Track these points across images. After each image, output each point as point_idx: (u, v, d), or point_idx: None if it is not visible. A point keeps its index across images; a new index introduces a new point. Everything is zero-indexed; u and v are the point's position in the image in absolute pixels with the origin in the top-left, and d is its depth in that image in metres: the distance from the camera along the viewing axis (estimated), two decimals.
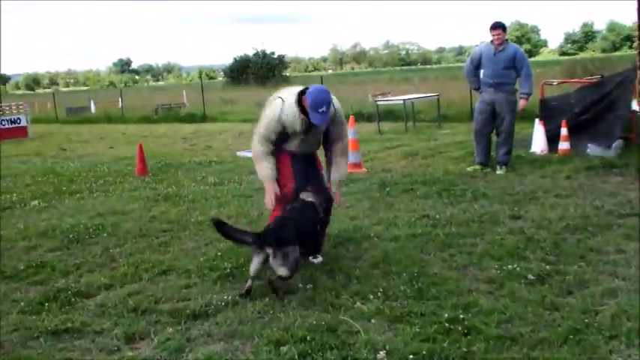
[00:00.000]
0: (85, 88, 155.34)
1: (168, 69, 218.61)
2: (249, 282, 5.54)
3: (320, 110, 5.70)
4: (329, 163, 6.36)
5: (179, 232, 7.88)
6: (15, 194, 10.89)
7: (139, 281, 6.07)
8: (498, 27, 10.52)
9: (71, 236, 7.80)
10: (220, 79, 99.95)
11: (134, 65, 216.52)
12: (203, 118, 27.75)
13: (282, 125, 5.92)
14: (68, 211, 9.44)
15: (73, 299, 5.61)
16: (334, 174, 6.31)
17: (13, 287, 6.10)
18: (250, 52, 68.26)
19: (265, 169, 6.08)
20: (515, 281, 5.46)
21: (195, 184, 11.08)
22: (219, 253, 6.68)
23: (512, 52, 10.52)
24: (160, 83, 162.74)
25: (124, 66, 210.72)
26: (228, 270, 6.12)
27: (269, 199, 6.15)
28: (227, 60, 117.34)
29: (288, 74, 73.17)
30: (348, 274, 5.85)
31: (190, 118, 28.04)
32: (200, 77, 78.11)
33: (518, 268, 5.73)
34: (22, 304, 5.55)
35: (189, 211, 9.01)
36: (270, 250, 5.38)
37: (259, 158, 6.10)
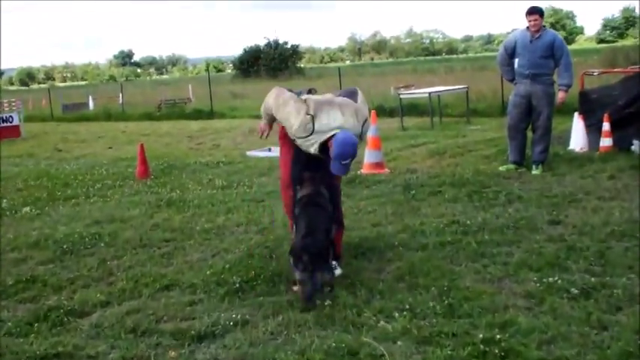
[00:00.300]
0: (84, 82, 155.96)
1: (173, 61, 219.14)
2: (299, 287, 5.60)
3: (344, 163, 5.78)
4: None
5: (183, 241, 7.77)
6: (5, 200, 10.83)
7: (138, 298, 5.95)
8: (535, 12, 10.34)
9: (65, 247, 7.69)
10: (229, 71, 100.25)
11: (136, 57, 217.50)
12: (210, 115, 27.75)
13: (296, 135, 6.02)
14: (62, 218, 9.36)
15: (66, 319, 5.49)
16: None
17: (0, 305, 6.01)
18: (261, 42, 68.41)
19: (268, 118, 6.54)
20: (556, 296, 5.30)
21: (202, 188, 10.99)
22: (227, 266, 6.56)
23: (550, 40, 10.34)
24: (164, 77, 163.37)
25: (125, 58, 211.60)
26: (238, 285, 5.99)
27: (259, 131, 6.88)
28: (236, 51, 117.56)
29: (302, 65, 73.17)
30: (370, 289, 5.72)
31: (196, 115, 28.08)
32: (207, 70, 78.12)
33: (559, 281, 5.57)
34: (10, 324, 5.44)
35: (194, 217, 8.92)
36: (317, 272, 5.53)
37: (266, 113, 6.52)
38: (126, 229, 8.50)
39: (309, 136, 5.93)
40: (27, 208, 10.07)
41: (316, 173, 6.26)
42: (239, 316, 5.27)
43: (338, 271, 6.20)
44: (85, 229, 8.56)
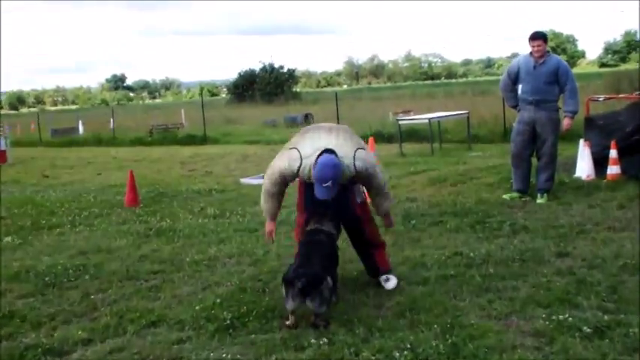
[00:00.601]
0: (75, 106, 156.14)
1: (167, 85, 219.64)
2: (292, 318, 5.65)
3: (324, 185, 5.88)
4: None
5: (172, 273, 7.59)
6: None
7: (122, 335, 5.75)
8: (538, 37, 10.22)
9: (47, 279, 7.50)
10: (223, 95, 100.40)
11: (129, 81, 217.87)
12: (203, 140, 27.65)
13: (296, 176, 6.23)
14: (46, 248, 9.18)
15: (44, 358, 5.29)
16: (375, 208, 6.70)
17: None
18: (257, 66, 68.52)
19: (269, 206, 6.49)
20: (567, 334, 5.10)
21: (193, 217, 10.82)
22: (217, 300, 6.37)
23: (554, 65, 10.21)
24: (157, 101, 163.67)
25: (117, 82, 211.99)
26: (229, 321, 5.80)
27: (266, 236, 6.72)
28: (231, 75, 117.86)
29: (298, 90, 73.29)
30: (369, 326, 5.53)
31: (189, 140, 27.98)
32: (201, 94, 78.19)
33: (570, 318, 5.37)
34: None
35: (184, 248, 8.76)
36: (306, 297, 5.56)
37: (267, 194, 6.44)
38: (112, 260, 8.33)
39: (300, 165, 6.05)
40: (9, 238, 9.88)
41: (321, 208, 6.33)
42: (229, 356, 5.10)
43: (392, 282, 6.60)
44: (70, 260, 8.38)
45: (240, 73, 69.60)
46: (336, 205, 6.31)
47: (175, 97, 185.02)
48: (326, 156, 5.91)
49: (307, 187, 6.34)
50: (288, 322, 5.64)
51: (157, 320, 6.04)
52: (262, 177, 14.21)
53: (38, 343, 5.58)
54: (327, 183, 5.84)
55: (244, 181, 14.61)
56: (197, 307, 6.23)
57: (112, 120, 35.24)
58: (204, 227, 9.93)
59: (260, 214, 10.58)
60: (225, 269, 7.64)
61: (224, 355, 5.09)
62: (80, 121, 38.56)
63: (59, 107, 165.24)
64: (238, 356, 5.09)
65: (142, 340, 5.58)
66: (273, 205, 6.45)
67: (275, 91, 62.82)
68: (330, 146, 5.99)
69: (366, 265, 6.84)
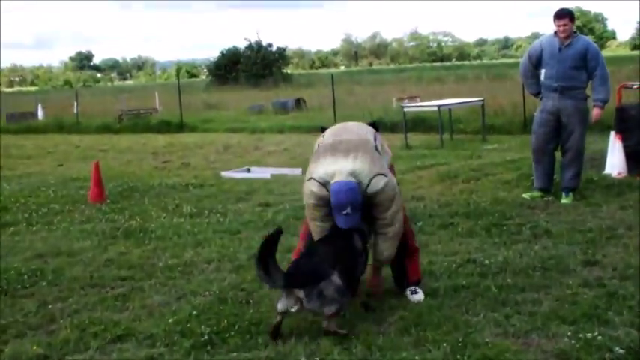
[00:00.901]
0: (34, 88, 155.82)
1: (139, 65, 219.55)
2: (278, 318, 5.68)
3: (344, 213, 5.98)
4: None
5: (142, 280, 7.56)
6: None
7: (84, 351, 5.71)
8: (564, 15, 10.20)
9: None
10: (203, 77, 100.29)
11: (96, 60, 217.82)
12: (180, 128, 27.67)
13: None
14: None
15: None
16: (373, 252, 6.56)
17: None
18: (242, 44, 68.47)
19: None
20: (596, 355, 5.08)
21: (166, 215, 10.81)
22: (194, 312, 6.34)
23: (582, 48, 10.19)
24: (129, 82, 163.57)
25: (83, 61, 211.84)
26: (206, 336, 5.76)
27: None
28: (212, 54, 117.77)
29: (289, 71, 73.34)
30: (368, 344, 5.50)
31: (164, 128, 28.01)
32: (178, 75, 78.01)
33: (599, 337, 5.35)
34: None
35: (156, 251, 8.73)
36: (301, 294, 5.57)
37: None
38: (74, 264, 8.29)
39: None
40: None
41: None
42: None
43: (421, 295, 6.59)
44: (25, 263, 8.32)
45: (222, 52, 69.67)
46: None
47: (149, 78, 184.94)
48: (338, 183, 5.99)
49: None
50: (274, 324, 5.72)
51: (124, 334, 5.99)
52: (247, 170, 14.38)
53: None
54: (345, 210, 5.93)
55: (226, 174, 14.61)
56: (170, 320, 6.19)
57: (75, 104, 35.15)
58: (180, 227, 9.92)
59: (243, 211, 10.64)
60: (203, 276, 7.60)
61: None
62: (39, 105, 38.45)
63: (16, 88, 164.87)
64: None
65: (106, 357, 5.55)
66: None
67: (262, 73, 62.84)
68: (343, 171, 6.02)
69: (395, 274, 6.87)
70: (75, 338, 5.91)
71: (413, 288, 6.66)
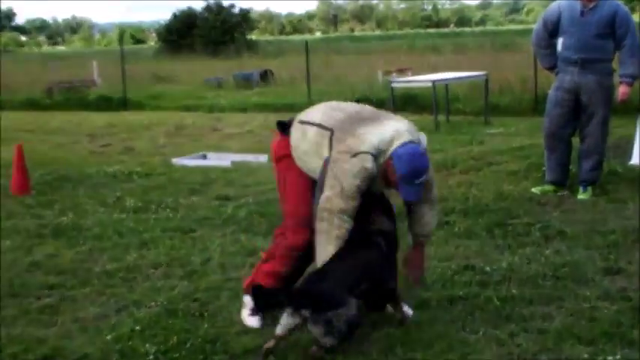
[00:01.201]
0: None
1: (73, 27, 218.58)
2: (272, 342, 5.71)
3: (419, 181, 6.02)
4: (408, 211, 6.57)
5: (74, 289, 7.53)
6: None
7: None
8: None
9: None
10: (152, 43, 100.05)
11: (20, 20, 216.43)
12: (123, 105, 27.60)
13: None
14: None
15: None
16: (415, 225, 6.59)
17: None
18: (198, 5, 68.30)
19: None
20: None
21: (105, 210, 10.81)
22: (137, 327, 6.32)
23: (610, 12, 10.20)
24: (60, 48, 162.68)
25: (2, 20, 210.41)
26: (152, 356, 5.77)
27: None
28: (163, 16, 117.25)
29: (254, 38, 73.24)
30: None
31: (103, 104, 27.90)
32: (120, 41, 77.53)
33: None
34: None
35: (92, 254, 8.72)
36: (307, 314, 5.59)
37: (337, 237, 6.03)
38: None
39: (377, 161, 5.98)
40: None
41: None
42: None
43: (406, 309, 6.47)
44: None
45: (175, 14, 69.47)
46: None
47: (85, 43, 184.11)
48: (406, 145, 5.99)
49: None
50: (266, 346, 5.75)
51: (50, 355, 5.98)
52: (203, 156, 14.38)
53: None
54: (421, 178, 6.02)
55: (177, 161, 14.60)
56: (108, 337, 6.18)
57: None
58: (121, 225, 9.88)
59: (197, 206, 10.64)
60: (149, 284, 7.60)
61: None
62: None
63: None
64: None
65: None
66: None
67: (222, 39, 62.70)
68: (404, 129, 6.10)
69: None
70: None
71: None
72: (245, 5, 69.45)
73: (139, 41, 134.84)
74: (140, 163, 14.76)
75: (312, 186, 6.29)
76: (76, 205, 11.19)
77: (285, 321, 5.65)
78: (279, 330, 5.68)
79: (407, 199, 6.19)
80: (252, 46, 61.93)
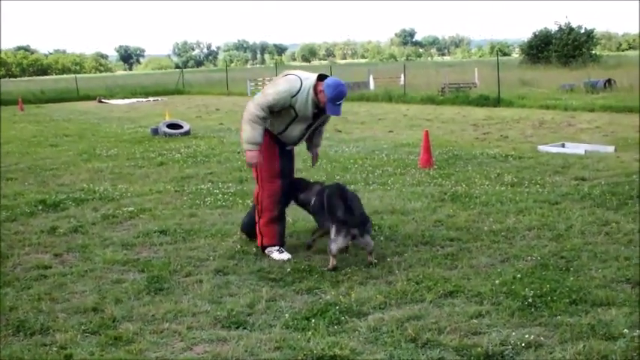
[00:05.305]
0: (364, 60, 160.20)
1: (456, 42, 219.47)
2: (334, 260, 6.69)
3: (338, 103, 6.94)
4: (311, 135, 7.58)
5: (469, 242, 7.52)
6: None
7: (419, 302, 5.77)
8: None
9: None
10: (515, 56, 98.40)
11: (418, 37, 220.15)
12: (497, 102, 27.26)
13: (291, 104, 6.95)
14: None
15: (343, 317, 5.43)
16: (315, 140, 7.75)
17: (279, 293, 6.10)
18: (552, 27, 66.35)
19: (257, 133, 6.97)
20: None
21: (489, 183, 10.69)
22: (517, 275, 6.23)
23: None
24: (446, 58, 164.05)
25: (407, 37, 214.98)
26: (530, 299, 5.62)
27: (253, 166, 7.24)
28: (523, 35, 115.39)
29: (597, 53, 70.26)
30: None
31: (482, 101, 27.70)
32: (496, 53, 76.78)
33: None
34: (287, 316, 5.49)
35: (481, 216, 8.66)
36: (355, 231, 6.70)
37: (254, 122, 6.95)
38: (407, 222, 8.43)
39: (301, 87, 6.90)
40: None
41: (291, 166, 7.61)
42: (532, 337, 4.93)
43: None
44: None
45: (534, 33, 67.74)
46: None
47: (464, 54, 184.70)
48: (333, 78, 7.06)
49: (282, 151, 7.28)
50: (329, 266, 6.65)
51: (454, 290, 5.99)
52: (562, 145, 13.98)
53: (337, 301, 5.77)
54: (340, 100, 6.92)
55: (542, 148, 14.22)
56: (496, 281, 6.12)
57: (402, 76, 35.68)
58: (502, 195, 9.75)
59: (560, 184, 10.31)
60: (525, 242, 7.44)
61: (526, 336, 4.93)
62: (371, 76, 39.39)
63: (348, 60, 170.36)
64: (541, 338, 4.92)
65: (438, 310, 5.56)
66: (261, 133, 6.98)
67: (572, 54, 60.54)
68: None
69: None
70: (411, 290, 6.00)
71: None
72: (589, 26, 66.42)
73: (504, 54, 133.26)
74: (513, 148, 14.52)
75: (280, 148, 7.26)
76: (467, 177, 11.19)
77: (340, 242, 6.68)
78: (334, 251, 6.66)
79: (333, 114, 7.08)
80: (595, 59, 59.45)
